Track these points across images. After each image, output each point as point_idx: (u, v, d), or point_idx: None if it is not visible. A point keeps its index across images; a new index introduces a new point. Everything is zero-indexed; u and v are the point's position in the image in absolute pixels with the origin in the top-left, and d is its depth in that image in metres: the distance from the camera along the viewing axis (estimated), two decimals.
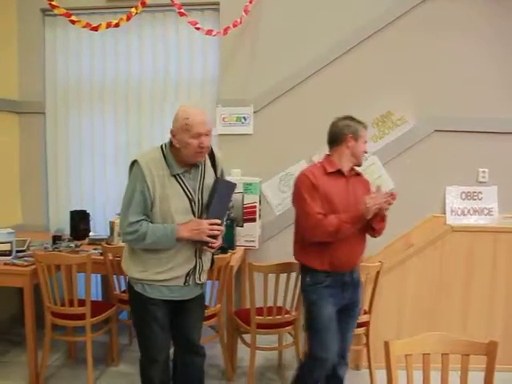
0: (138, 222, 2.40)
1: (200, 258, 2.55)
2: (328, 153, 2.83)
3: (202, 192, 2.49)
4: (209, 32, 3.97)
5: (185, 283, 2.52)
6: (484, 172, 4.10)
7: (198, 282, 2.58)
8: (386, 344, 1.99)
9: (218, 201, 2.47)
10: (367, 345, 3.42)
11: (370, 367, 3.39)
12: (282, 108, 4.27)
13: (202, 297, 2.71)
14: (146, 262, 2.48)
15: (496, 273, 3.72)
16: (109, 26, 3.70)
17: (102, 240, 3.82)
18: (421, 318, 3.70)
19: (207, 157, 2.55)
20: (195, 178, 2.49)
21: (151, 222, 2.43)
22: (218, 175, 2.62)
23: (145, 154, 2.49)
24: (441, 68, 4.10)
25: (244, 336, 3.48)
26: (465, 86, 4.09)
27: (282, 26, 4.23)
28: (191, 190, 2.46)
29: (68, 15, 3.41)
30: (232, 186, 2.58)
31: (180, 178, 2.44)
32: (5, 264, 3.39)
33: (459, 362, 1.98)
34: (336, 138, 2.77)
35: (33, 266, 3.32)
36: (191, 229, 2.41)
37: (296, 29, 4.22)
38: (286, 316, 3.27)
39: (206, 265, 2.63)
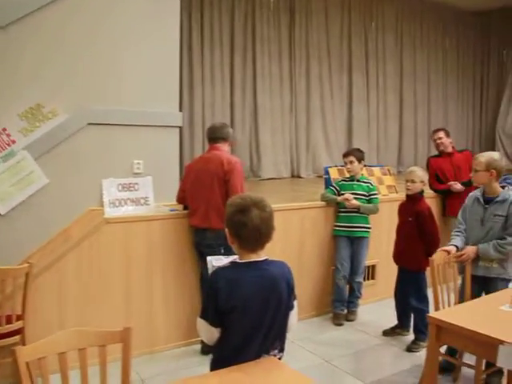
0: None
1: None
2: None
3: None
4: None
5: None
6: (139, 163, 4.29)
7: None
8: (13, 352, 1.88)
9: None
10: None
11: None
12: None
13: None
14: None
15: (151, 258, 3.89)
16: None
17: None
18: (86, 312, 3.62)
19: None
20: None
21: None
22: None
23: None
24: (93, 59, 4.09)
25: None
26: (116, 79, 4.18)
27: None
28: None
29: None
30: None
31: None
32: None
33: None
34: None
35: None
36: None
37: None
38: None
39: None
